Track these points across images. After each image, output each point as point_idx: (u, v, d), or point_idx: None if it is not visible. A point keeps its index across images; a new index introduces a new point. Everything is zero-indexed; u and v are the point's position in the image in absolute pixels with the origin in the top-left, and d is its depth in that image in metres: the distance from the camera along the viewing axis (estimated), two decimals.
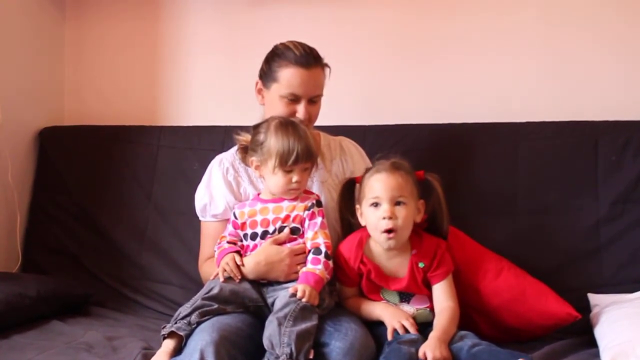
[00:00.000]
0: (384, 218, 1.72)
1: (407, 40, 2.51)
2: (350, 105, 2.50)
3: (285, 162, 1.75)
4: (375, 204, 1.75)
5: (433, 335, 1.63)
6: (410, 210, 1.74)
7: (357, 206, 1.83)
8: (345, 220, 1.89)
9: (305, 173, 1.81)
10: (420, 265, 1.77)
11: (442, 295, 1.77)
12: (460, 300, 1.79)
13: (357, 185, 1.86)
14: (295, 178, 1.78)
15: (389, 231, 1.72)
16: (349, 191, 1.90)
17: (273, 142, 1.77)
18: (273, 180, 1.80)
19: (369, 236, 1.81)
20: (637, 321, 1.70)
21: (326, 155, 2.06)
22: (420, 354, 1.56)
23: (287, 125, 1.80)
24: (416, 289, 1.79)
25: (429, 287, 1.80)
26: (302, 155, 1.75)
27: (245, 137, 1.88)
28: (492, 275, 1.86)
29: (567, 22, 2.39)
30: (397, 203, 1.73)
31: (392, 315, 1.74)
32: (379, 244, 1.78)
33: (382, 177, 1.75)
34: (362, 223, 1.81)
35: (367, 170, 1.82)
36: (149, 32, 2.71)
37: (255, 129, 1.85)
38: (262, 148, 1.80)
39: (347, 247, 1.82)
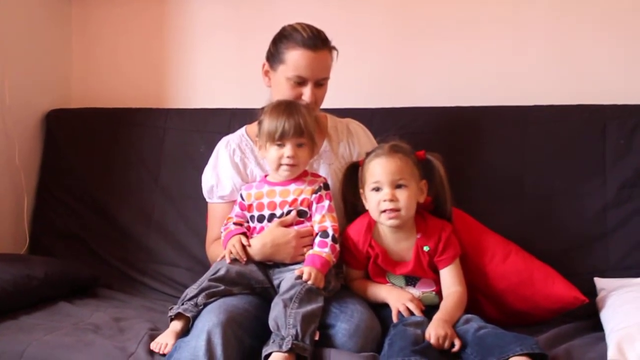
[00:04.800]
0: (384, 201, 1.72)
1: (415, 22, 2.50)
2: (358, 88, 2.49)
3: (272, 136, 1.77)
4: (377, 189, 1.75)
5: (436, 317, 1.64)
6: (411, 191, 1.74)
7: (361, 190, 1.84)
8: (350, 205, 1.89)
9: (301, 150, 1.80)
10: (425, 248, 1.77)
11: (450, 280, 1.78)
12: (467, 283, 1.79)
13: (360, 168, 1.86)
14: (287, 152, 1.78)
15: (390, 210, 1.72)
16: (353, 175, 1.89)
17: (267, 121, 1.79)
18: (268, 156, 1.82)
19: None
20: None
21: (333, 138, 2.06)
22: (426, 335, 1.57)
23: (282, 104, 1.82)
24: (422, 272, 1.79)
25: (435, 271, 1.80)
26: (289, 128, 1.76)
27: None
28: (499, 258, 1.86)
29: (575, 4, 2.37)
30: (398, 186, 1.74)
31: (397, 297, 1.75)
32: (385, 226, 1.79)
33: (381, 161, 1.76)
34: (367, 207, 1.81)
35: (367, 154, 1.83)
36: (155, 14, 2.70)
37: (260, 110, 1.86)
38: (261, 129, 1.82)
39: (356, 231, 1.82)
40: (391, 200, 1.72)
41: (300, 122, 1.77)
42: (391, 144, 1.79)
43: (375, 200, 1.75)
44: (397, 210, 1.72)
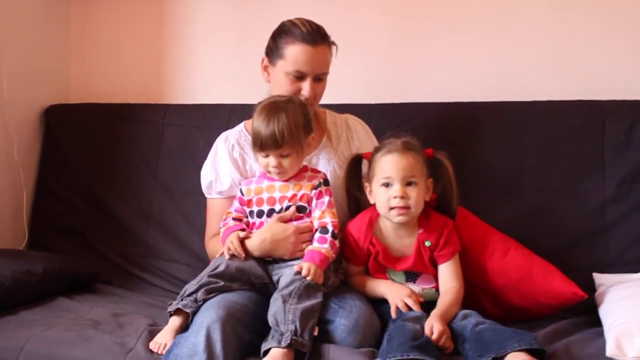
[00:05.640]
0: (395, 197, 1.72)
1: (414, 18, 2.49)
2: (357, 84, 2.48)
3: (256, 147, 1.78)
4: (387, 184, 1.74)
5: (433, 313, 1.64)
6: (421, 189, 1.74)
7: (366, 184, 1.83)
8: (352, 197, 1.89)
9: (287, 159, 1.77)
10: (427, 243, 1.77)
11: (448, 276, 1.78)
12: (466, 279, 1.79)
13: (364, 161, 1.85)
14: (271, 163, 1.77)
15: (400, 207, 1.72)
16: (356, 167, 1.89)
17: (254, 124, 1.78)
18: (258, 161, 1.83)
19: (378, 216, 1.81)
20: None
21: (332, 133, 2.06)
22: (427, 329, 1.57)
23: (265, 109, 1.77)
24: (422, 267, 1.79)
25: (436, 266, 1.80)
26: (265, 142, 1.74)
27: None
28: (499, 254, 1.86)
29: (575, 1, 2.36)
30: (409, 183, 1.73)
31: (396, 293, 1.74)
32: (388, 222, 1.79)
33: (393, 157, 1.74)
34: (372, 201, 1.81)
35: (378, 149, 1.81)
36: (154, 10, 2.70)
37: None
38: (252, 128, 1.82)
39: (357, 227, 1.81)
40: (402, 197, 1.71)
41: (276, 135, 1.73)
42: (403, 141, 1.77)
43: (384, 196, 1.74)
44: (407, 207, 1.72)
